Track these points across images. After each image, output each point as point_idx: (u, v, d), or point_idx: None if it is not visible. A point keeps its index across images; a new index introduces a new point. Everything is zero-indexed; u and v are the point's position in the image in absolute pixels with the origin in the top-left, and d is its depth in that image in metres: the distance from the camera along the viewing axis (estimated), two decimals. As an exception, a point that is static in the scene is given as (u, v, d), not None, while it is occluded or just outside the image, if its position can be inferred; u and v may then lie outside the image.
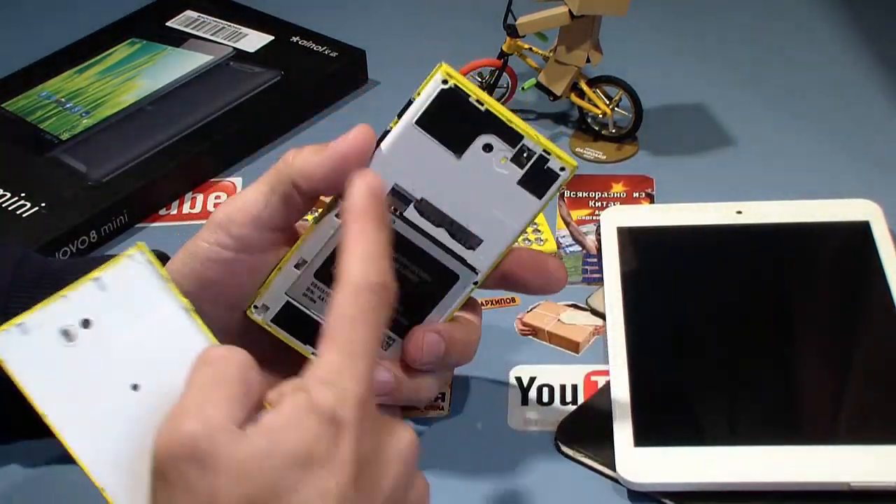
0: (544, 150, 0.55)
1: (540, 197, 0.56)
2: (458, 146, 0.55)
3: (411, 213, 0.56)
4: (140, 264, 0.52)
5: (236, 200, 0.57)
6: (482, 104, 0.55)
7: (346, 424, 0.46)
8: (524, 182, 0.56)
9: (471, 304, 0.59)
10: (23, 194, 0.79)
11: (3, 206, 0.78)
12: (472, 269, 0.57)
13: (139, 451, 0.49)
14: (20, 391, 0.49)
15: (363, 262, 0.50)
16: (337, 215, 0.56)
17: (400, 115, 0.55)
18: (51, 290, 0.60)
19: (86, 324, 0.50)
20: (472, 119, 0.55)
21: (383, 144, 0.55)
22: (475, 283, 0.57)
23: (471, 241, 0.56)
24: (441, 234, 0.56)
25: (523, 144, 0.55)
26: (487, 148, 0.55)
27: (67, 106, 0.87)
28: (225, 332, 0.58)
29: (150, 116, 0.86)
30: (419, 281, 0.57)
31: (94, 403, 0.50)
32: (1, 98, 0.89)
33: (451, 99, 0.55)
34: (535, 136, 0.55)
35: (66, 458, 0.63)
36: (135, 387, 0.50)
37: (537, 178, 0.56)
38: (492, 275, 0.58)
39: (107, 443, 0.50)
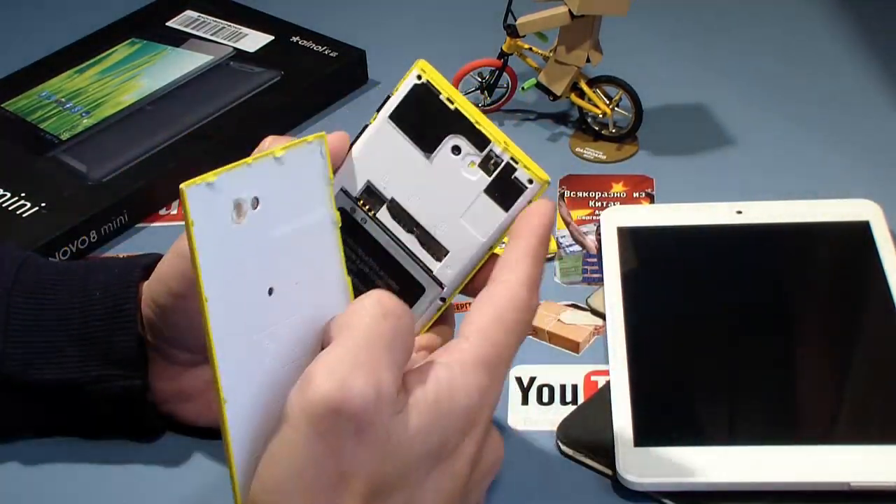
0: (512, 159, 0.53)
1: (506, 209, 0.53)
2: (427, 145, 0.54)
3: (384, 214, 0.55)
4: (315, 156, 0.51)
5: None
6: (452, 103, 0.53)
7: (478, 424, 0.47)
8: (490, 191, 0.53)
9: (443, 318, 0.57)
10: (23, 194, 0.79)
11: (3, 206, 0.78)
12: (439, 283, 0.54)
13: (261, 366, 0.47)
14: (191, 255, 0.46)
15: (530, 287, 0.51)
16: None
17: (378, 110, 0.55)
18: (51, 294, 0.61)
19: (255, 203, 0.48)
20: (442, 118, 0.54)
21: (360, 138, 0.55)
22: (442, 300, 0.55)
23: (437, 251, 0.54)
24: (411, 242, 0.55)
25: (490, 150, 0.53)
26: (456, 150, 0.54)
27: (67, 106, 0.87)
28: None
29: (150, 116, 0.86)
30: (386, 289, 0.53)
31: (238, 296, 0.48)
32: (1, 98, 0.89)
33: (423, 95, 0.54)
34: (503, 143, 0.53)
35: (65, 457, 0.63)
36: (270, 291, 0.49)
37: (504, 189, 0.53)
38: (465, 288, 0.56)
39: (237, 351, 0.47)
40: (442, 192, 0.54)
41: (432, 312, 0.55)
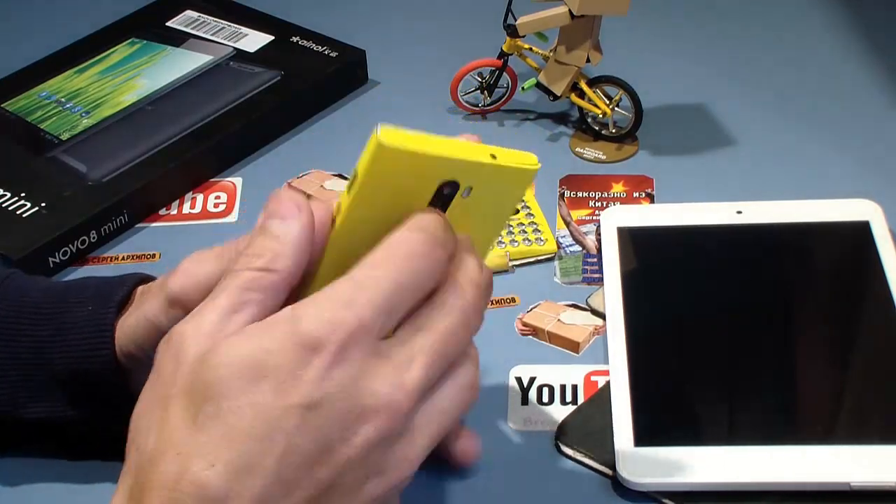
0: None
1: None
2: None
3: None
4: None
5: (191, 274, 0.54)
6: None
7: (324, 349, 0.45)
8: None
9: None
10: (23, 194, 0.79)
11: (3, 206, 0.78)
12: None
13: None
14: None
15: (433, 217, 0.49)
16: None
17: (349, 190, 0.49)
18: (28, 327, 0.59)
19: None
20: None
21: (335, 224, 0.50)
22: None
23: None
24: None
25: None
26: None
27: (67, 106, 0.87)
28: None
29: (150, 116, 0.86)
30: None
31: None
32: (1, 98, 0.89)
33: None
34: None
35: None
36: None
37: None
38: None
39: None
40: None
41: None
